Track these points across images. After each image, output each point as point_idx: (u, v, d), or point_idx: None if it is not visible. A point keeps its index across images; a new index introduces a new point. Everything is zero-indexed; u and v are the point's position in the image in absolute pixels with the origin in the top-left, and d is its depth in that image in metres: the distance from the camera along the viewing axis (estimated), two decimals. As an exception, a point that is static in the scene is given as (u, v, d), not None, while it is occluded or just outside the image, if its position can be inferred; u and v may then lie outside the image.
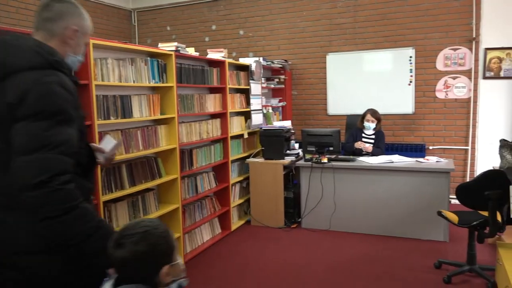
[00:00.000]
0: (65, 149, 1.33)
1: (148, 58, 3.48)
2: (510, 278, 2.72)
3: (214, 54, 4.63)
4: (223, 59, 4.57)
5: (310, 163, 4.61)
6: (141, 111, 3.37)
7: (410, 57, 5.72)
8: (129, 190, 3.20)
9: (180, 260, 1.32)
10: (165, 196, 3.80)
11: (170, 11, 7.18)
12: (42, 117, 1.31)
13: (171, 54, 3.66)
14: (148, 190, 3.50)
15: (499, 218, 3.19)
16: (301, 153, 4.98)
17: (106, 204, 3.02)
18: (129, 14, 7.44)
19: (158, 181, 3.55)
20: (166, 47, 3.78)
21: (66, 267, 1.40)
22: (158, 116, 3.57)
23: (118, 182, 3.15)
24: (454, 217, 3.42)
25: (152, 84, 3.48)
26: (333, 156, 4.64)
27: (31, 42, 1.42)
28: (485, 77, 5.44)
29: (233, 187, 4.84)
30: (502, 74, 5.36)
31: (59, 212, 1.27)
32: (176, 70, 3.70)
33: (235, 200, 4.91)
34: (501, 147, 4.30)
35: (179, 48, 3.82)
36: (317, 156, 4.61)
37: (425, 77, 5.71)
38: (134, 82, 3.28)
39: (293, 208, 4.81)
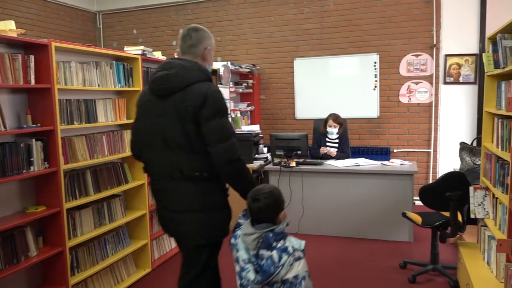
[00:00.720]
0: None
1: (114, 61, 3.41)
2: (471, 276, 2.82)
3: (181, 58, 4.59)
4: (191, 63, 4.54)
5: (278, 167, 4.64)
6: (106, 116, 3.30)
7: (375, 62, 5.87)
8: (94, 197, 3.11)
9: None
10: (132, 202, 3.73)
11: (137, 14, 7.08)
12: (221, 115, 1.99)
13: (137, 58, 3.60)
14: (114, 196, 3.42)
15: (460, 218, 3.32)
16: (269, 157, 5.00)
17: (70, 211, 2.93)
18: (93, 17, 7.28)
19: (124, 187, 3.47)
20: (132, 50, 3.72)
21: (215, 217, 2.12)
22: (124, 121, 3.50)
23: (83, 188, 3.06)
24: (417, 218, 3.52)
25: (118, 88, 3.41)
26: (301, 160, 4.69)
27: (195, 64, 2.06)
28: (445, 83, 5.65)
29: (202, 192, 4.80)
30: (461, 79, 5.58)
31: (247, 173, 2.10)
32: (142, 74, 3.64)
33: (204, 205, 4.87)
34: (461, 149, 4.47)
35: (145, 52, 3.77)
36: (286, 160, 4.64)
37: (389, 82, 5.86)
38: (99, 86, 3.21)
39: (262, 212, 4.81)
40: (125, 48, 3.79)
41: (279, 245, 1.92)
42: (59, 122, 2.77)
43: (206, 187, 2.05)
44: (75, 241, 2.92)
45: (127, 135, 3.55)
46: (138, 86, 3.60)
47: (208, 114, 1.94)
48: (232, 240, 2.07)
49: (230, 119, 2.24)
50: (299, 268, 1.90)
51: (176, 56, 2.24)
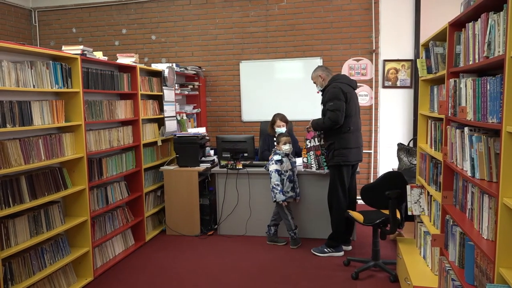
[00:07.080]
0: None
1: (51, 61, 3.24)
2: (409, 270, 2.97)
3: (124, 59, 4.46)
4: (134, 64, 4.42)
5: (225, 169, 4.63)
6: (42, 118, 3.13)
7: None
8: (29, 204, 2.94)
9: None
10: (72, 208, 3.56)
11: (76, 13, 6.79)
12: None
13: (76, 58, 3.45)
14: (52, 203, 3.25)
15: (398, 215, 3.48)
16: (216, 160, 4.98)
17: (2, 220, 2.74)
18: (28, 14, 6.89)
19: (63, 193, 3.31)
20: (71, 50, 3.56)
21: None
22: (63, 124, 3.34)
23: (17, 195, 2.88)
24: (359, 217, 3.65)
25: (56, 89, 3.25)
26: (247, 162, 4.71)
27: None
28: (384, 86, 5.92)
29: (147, 196, 4.69)
30: (398, 83, 5.88)
31: None
32: (82, 74, 3.50)
33: (149, 209, 4.75)
34: (398, 150, 4.69)
35: (85, 52, 3.62)
36: (232, 162, 4.65)
37: (332, 86, 6.02)
38: (34, 87, 3.03)
39: (209, 215, 4.79)
40: (63, 48, 3.62)
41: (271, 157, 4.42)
42: (-10, 125, 2.59)
43: None
44: (8, 251, 2.74)
45: (66, 138, 3.39)
46: (78, 87, 3.44)
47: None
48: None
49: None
50: (271, 167, 4.30)
51: (327, 73, 4.16)
